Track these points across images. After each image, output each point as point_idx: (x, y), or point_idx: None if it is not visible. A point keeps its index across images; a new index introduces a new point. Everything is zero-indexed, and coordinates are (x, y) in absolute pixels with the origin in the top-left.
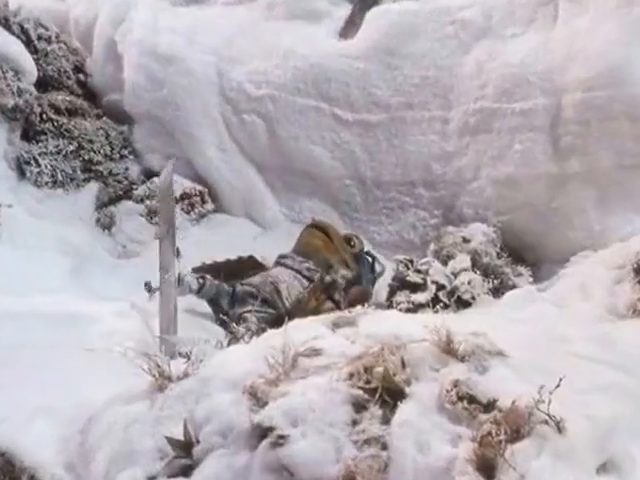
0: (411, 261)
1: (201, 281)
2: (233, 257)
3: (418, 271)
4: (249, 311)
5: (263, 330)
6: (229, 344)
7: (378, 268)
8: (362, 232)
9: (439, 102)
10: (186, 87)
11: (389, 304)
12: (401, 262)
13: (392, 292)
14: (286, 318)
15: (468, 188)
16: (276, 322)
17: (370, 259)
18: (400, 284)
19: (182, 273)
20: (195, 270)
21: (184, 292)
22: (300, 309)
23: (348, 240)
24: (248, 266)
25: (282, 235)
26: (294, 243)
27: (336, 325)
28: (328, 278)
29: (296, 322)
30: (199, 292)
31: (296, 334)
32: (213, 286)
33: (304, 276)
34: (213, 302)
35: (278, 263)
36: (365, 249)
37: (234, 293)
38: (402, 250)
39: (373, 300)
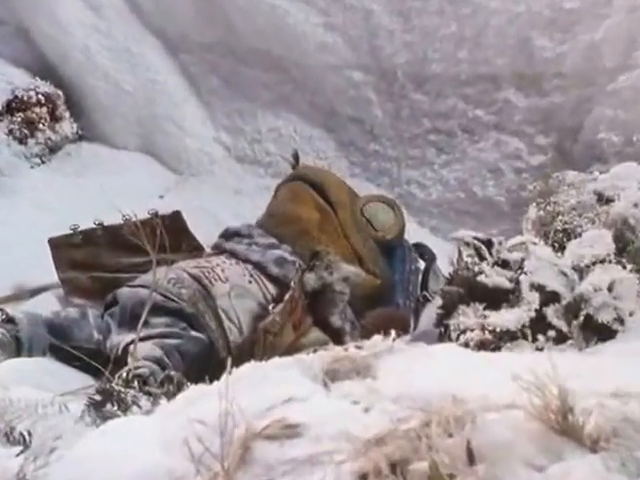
0: (488, 243)
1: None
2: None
3: (503, 264)
4: (147, 338)
5: (169, 381)
6: (108, 415)
7: (435, 285)
8: (388, 184)
9: None
10: None
11: (442, 332)
12: (467, 245)
13: (449, 307)
14: (229, 358)
15: (609, 89)
16: (206, 361)
17: (419, 257)
18: (466, 291)
19: None
20: (53, 244)
21: None
22: (261, 344)
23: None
24: (172, 238)
25: (220, 190)
26: (258, 210)
27: (332, 375)
28: (311, 279)
29: (249, 367)
30: (21, 349)
31: (249, 393)
32: (38, 320)
33: (270, 277)
34: (62, 339)
35: (219, 248)
36: (408, 238)
37: (112, 306)
38: (471, 220)
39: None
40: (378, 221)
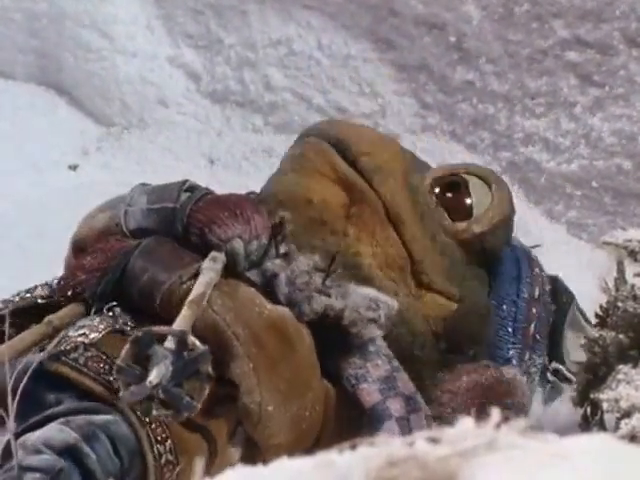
0: None
1: None
2: None
3: None
4: (44, 421)
5: None
6: None
7: (578, 350)
8: (489, 144)
9: None
10: None
11: (587, 413)
12: (635, 255)
13: (599, 368)
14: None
15: None
16: None
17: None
18: (632, 338)
19: None
20: None
21: None
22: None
23: (454, 189)
24: None
25: (181, 154)
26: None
27: None
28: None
29: (236, 476)
30: None
31: None
32: None
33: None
34: None
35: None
36: (519, 243)
37: None
38: None
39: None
40: (462, 203)
